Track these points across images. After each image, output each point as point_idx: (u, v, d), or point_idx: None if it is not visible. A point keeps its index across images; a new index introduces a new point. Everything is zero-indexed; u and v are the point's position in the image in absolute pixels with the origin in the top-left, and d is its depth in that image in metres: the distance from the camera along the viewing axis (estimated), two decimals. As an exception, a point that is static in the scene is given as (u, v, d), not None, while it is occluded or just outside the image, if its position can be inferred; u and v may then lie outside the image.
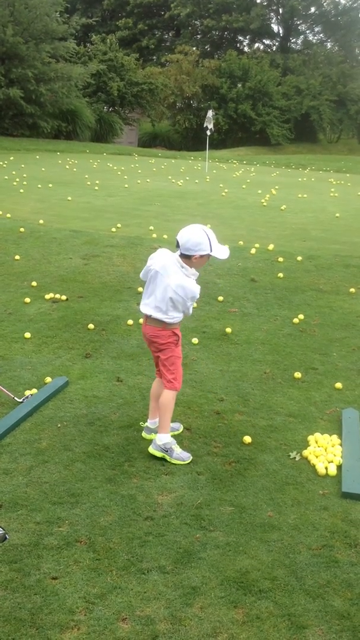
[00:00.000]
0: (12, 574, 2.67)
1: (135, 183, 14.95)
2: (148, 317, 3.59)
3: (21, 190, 12.24)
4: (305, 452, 3.73)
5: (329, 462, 3.62)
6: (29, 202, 10.96)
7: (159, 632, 2.41)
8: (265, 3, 45.86)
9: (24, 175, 14.68)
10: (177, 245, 3.46)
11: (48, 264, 7.36)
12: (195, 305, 3.99)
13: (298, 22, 47.87)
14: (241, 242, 8.47)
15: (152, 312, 3.53)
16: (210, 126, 18.41)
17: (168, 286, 3.44)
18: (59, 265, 7.35)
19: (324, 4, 46.42)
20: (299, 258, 7.96)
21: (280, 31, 48.22)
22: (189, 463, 3.57)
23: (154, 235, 8.65)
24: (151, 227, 9.19)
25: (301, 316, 6.09)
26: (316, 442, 3.84)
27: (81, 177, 15.26)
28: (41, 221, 9.10)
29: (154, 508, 3.15)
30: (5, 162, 17.57)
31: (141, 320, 3.76)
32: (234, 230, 9.46)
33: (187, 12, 44.09)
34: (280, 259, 7.85)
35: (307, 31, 49.46)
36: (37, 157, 20.25)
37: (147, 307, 3.57)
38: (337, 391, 4.63)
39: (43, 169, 16.50)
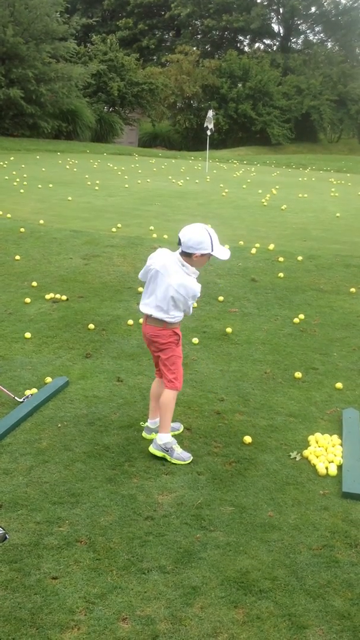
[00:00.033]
0: (12, 573, 2.67)
1: (136, 183, 14.96)
2: (148, 317, 3.58)
3: (21, 191, 12.24)
4: (306, 452, 3.73)
5: (329, 462, 3.61)
6: (30, 202, 10.97)
7: (159, 632, 2.41)
8: (266, 3, 45.85)
9: (25, 175, 14.68)
10: (179, 243, 3.45)
11: (48, 264, 7.36)
12: (195, 305, 4.00)
13: (298, 22, 47.87)
14: (241, 242, 8.47)
15: (153, 312, 3.53)
16: (211, 126, 18.41)
17: (169, 285, 3.43)
18: (59, 265, 7.35)
19: (325, 3, 46.41)
20: (300, 258, 7.96)
21: (281, 31, 48.25)
22: (189, 463, 3.57)
23: (154, 235, 8.65)
24: (151, 227, 9.19)
25: (302, 316, 6.09)
26: (317, 442, 3.84)
27: (81, 177, 15.26)
28: (41, 221, 9.10)
29: (154, 508, 3.15)
30: (6, 162, 17.58)
31: (141, 320, 3.75)
32: (234, 230, 9.45)
33: (188, 12, 44.08)
34: (281, 259, 7.85)
35: (308, 31, 49.47)
36: (38, 157, 20.26)
37: (147, 306, 3.57)
38: (337, 391, 4.63)
39: (43, 169, 16.50)
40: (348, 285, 7.14)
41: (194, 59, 39.69)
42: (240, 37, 48.79)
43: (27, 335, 5.34)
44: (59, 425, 3.93)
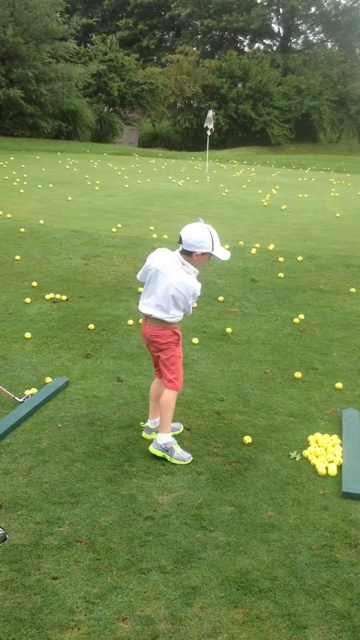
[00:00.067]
0: (12, 574, 2.67)
1: (136, 183, 14.96)
2: (148, 317, 3.58)
3: (21, 191, 12.25)
4: (306, 452, 3.73)
5: (329, 462, 3.61)
6: (30, 202, 10.97)
7: (159, 632, 2.41)
8: (266, 3, 45.84)
9: (25, 175, 14.68)
10: (180, 241, 3.45)
11: (48, 264, 7.36)
12: (195, 305, 4.00)
13: (298, 22, 47.88)
14: (241, 242, 8.47)
15: (153, 312, 3.52)
16: (211, 126, 18.41)
17: (170, 284, 3.43)
18: (59, 265, 7.35)
19: (325, 4, 46.43)
20: (300, 258, 7.96)
21: (281, 31, 48.27)
22: (189, 463, 3.57)
23: (154, 236, 8.65)
24: (151, 227, 9.19)
25: (301, 316, 6.09)
26: (316, 442, 3.84)
27: (81, 177, 15.27)
28: (41, 221, 9.11)
29: (154, 508, 3.15)
30: (6, 162, 17.58)
31: (141, 321, 3.75)
32: (234, 230, 9.45)
33: (188, 12, 44.10)
34: (281, 259, 7.85)
35: (308, 31, 49.52)
36: (38, 157, 20.26)
37: (146, 306, 3.56)
38: (337, 391, 4.63)
39: (43, 169, 16.51)
40: (348, 285, 7.14)
41: (194, 59, 39.71)
42: (240, 37, 48.84)
43: (27, 335, 5.34)
44: (59, 425, 3.93)
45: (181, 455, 3.58)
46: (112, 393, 4.40)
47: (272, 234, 9.40)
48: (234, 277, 7.21)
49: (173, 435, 3.69)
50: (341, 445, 3.81)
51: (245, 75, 39.21)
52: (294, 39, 49.18)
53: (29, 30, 24.17)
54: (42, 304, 6.15)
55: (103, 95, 31.29)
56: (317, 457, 3.68)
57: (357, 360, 5.22)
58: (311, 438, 3.89)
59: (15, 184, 13.21)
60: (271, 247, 8.33)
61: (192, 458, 3.60)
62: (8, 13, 23.55)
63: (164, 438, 3.59)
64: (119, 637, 2.37)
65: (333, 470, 3.55)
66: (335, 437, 3.89)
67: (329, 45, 49.31)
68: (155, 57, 45.24)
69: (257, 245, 8.36)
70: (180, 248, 3.47)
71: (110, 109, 32.63)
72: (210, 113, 19.07)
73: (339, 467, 3.60)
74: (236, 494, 3.31)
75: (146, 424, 3.86)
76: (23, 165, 16.99)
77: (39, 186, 13.06)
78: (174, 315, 3.51)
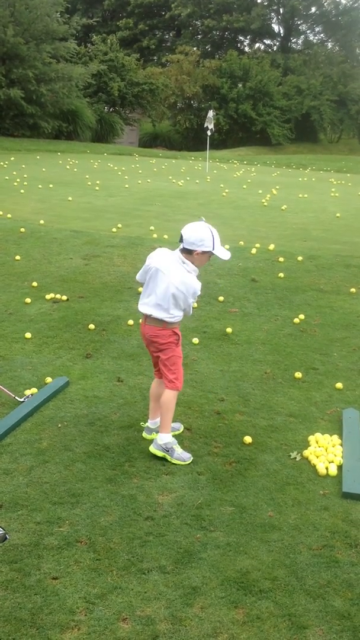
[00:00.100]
0: (12, 574, 2.67)
1: (136, 183, 14.96)
2: (147, 317, 3.58)
3: (22, 191, 12.25)
4: (306, 452, 3.73)
5: (329, 462, 3.61)
6: (30, 203, 10.97)
7: (159, 632, 2.41)
8: (266, 3, 45.85)
9: (25, 175, 14.68)
10: (181, 240, 3.45)
11: (49, 264, 7.37)
12: (195, 305, 4.00)
13: (299, 22, 47.87)
14: (242, 242, 8.47)
15: (153, 311, 3.52)
16: (211, 126, 18.42)
17: (170, 283, 3.42)
18: (59, 265, 7.35)
19: (325, 4, 46.41)
20: (300, 258, 7.96)
21: (281, 31, 48.26)
22: (189, 463, 3.57)
23: (155, 236, 8.65)
24: (152, 227, 9.19)
25: (302, 316, 6.09)
26: (317, 442, 3.84)
27: (82, 177, 15.27)
28: (42, 221, 9.11)
29: (154, 508, 3.15)
30: (6, 162, 17.58)
31: (141, 321, 3.75)
32: (234, 231, 9.45)
33: (188, 12, 44.08)
34: (281, 259, 7.85)
35: (308, 31, 49.51)
36: (38, 157, 20.26)
37: (146, 306, 3.55)
38: (337, 391, 4.63)
39: (44, 169, 16.51)
40: (348, 285, 7.14)
41: (194, 59, 39.70)
42: (241, 37, 48.81)
43: (28, 335, 5.34)
44: (59, 425, 3.93)
45: (181, 456, 3.58)
46: (113, 393, 4.40)
47: (273, 234, 9.40)
48: (234, 277, 7.21)
49: (173, 436, 3.69)
50: (341, 445, 3.81)
51: (246, 75, 39.20)
52: (294, 39, 49.20)
53: (29, 31, 24.18)
54: (42, 304, 6.15)
55: (103, 96, 31.29)
56: (317, 457, 3.68)
57: (358, 360, 5.22)
58: (311, 438, 3.89)
59: (15, 184, 13.22)
60: (271, 247, 8.33)
61: (192, 458, 3.60)
62: (8, 13, 23.56)
63: (165, 438, 3.59)
64: (119, 637, 2.37)
65: (333, 471, 3.55)
66: (335, 437, 3.89)
67: (329, 45, 49.34)
68: (155, 57, 45.24)
69: (258, 245, 8.36)
70: (181, 246, 3.47)
71: (111, 109, 32.63)
72: (211, 113, 19.08)
73: (339, 467, 3.60)
74: (236, 494, 3.31)
75: (146, 424, 3.86)
76: (23, 166, 17.00)
77: (40, 186, 13.07)
78: (174, 315, 3.51)
